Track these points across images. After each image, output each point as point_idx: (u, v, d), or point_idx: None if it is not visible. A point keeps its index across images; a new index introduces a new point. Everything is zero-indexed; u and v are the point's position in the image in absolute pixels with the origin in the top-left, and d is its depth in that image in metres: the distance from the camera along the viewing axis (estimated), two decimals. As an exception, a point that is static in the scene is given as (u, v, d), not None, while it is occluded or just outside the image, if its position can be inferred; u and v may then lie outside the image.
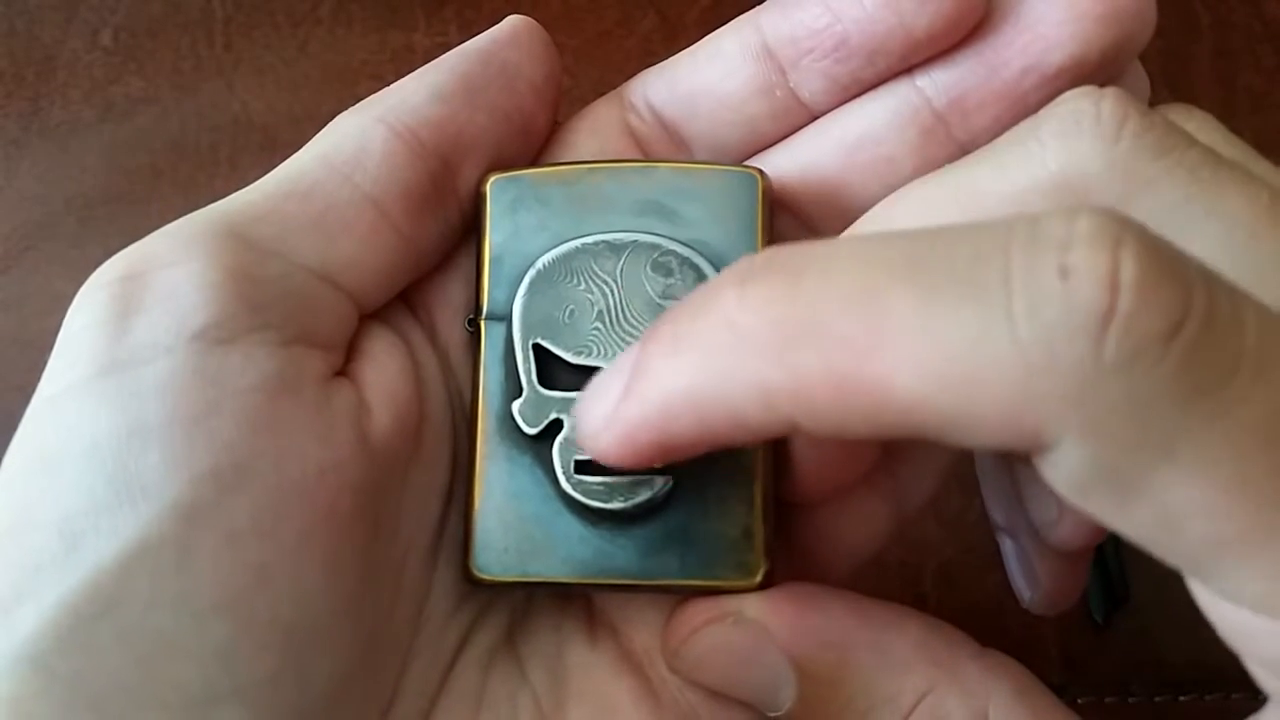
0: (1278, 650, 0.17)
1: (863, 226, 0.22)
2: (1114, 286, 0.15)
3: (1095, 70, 0.23)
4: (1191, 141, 0.20)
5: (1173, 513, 0.16)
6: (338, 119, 0.24)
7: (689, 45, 0.26)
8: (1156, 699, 0.35)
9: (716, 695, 0.24)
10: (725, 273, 0.19)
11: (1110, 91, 0.21)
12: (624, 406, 0.19)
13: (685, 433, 0.19)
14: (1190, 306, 0.16)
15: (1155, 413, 0.15)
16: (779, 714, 0.23)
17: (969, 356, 0.16)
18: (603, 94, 0.27)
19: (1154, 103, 0.23)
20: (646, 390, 0.19)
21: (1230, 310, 0.16)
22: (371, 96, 0.24)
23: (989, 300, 0.16)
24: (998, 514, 0.28)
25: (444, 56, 0.24)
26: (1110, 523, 0.17)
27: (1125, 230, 0.16)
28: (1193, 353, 0.15)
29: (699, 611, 0.23)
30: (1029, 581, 0.27)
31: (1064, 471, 0.16)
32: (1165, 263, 0.16)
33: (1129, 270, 0.15)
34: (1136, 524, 0.17)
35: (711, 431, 0.18)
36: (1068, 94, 0.21)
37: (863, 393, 0.17)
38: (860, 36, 0.24)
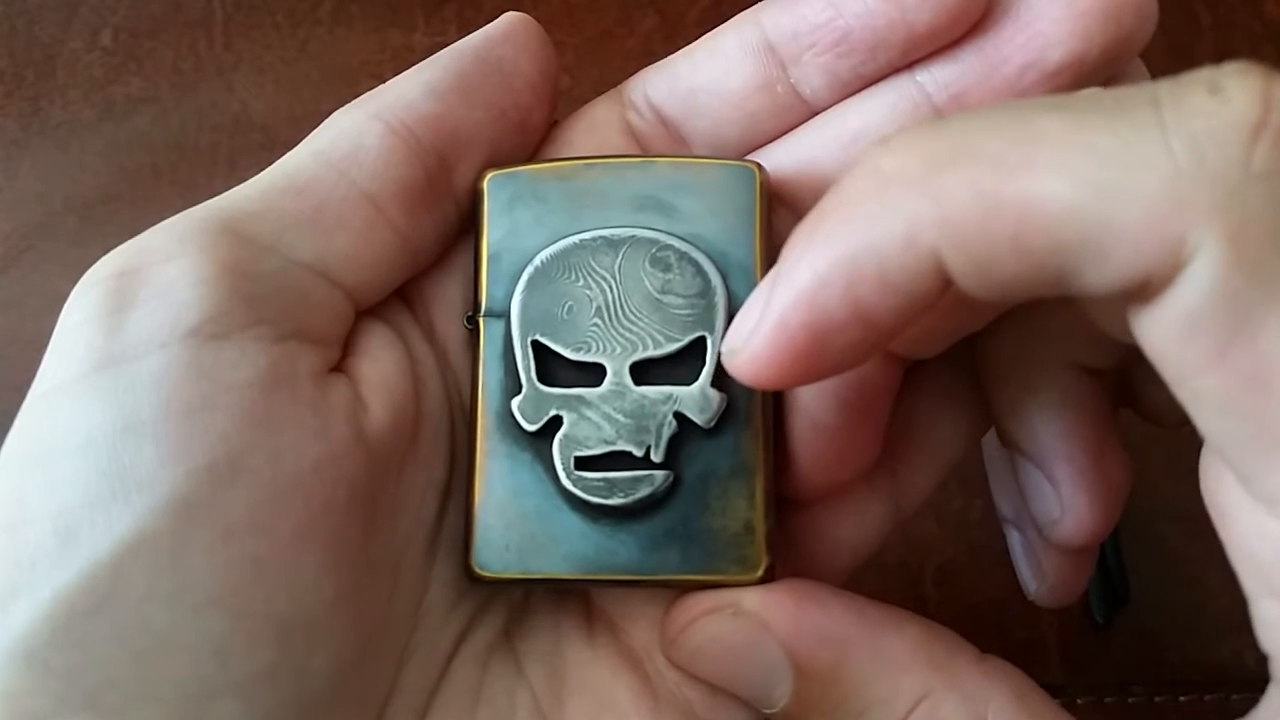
0: None
1: None
2: (1268, 101, 0.16)
3: (1096, 68, 0.23)
4: None
5: (1271, 364, 0.16)
6: (333, 116, 0.24)
7: (689, 44, 0.26)
8: (1156, 699, 0.35)
9: (714, 691, 0.24)
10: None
11: None
12: (773, 300, 0.19)
13: (836, 311, 0.18)
14: None
15: None
16: (774, 710, 0.23)
17: (1120, 162, 0.16)
18: (603, 93, 0.27)
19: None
20: (794, 271, 0.19)
21: None
22: (367, 93, 0.24)
23: (1140, 117, 0.16)
24: (1005, 506, 0.28)
25: (440, 53, 0.24)
26: (1196, 377, 0.17)
27: (1273, 74, 0.16)
28: None
29: (698, 602, 0.23)
30: (1034, 574, 0.27)
31: (1185, 297, 0.16)
32: None
33: None
34: (1226, 377, 0.16)
35: (861, 302, 0.18)
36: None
37: (1011, 210, 0.17)
38: (862, 31, 0.24)
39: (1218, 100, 0.16)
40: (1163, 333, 0.17)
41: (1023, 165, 0.17)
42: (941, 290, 0.18)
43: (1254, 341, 0.16)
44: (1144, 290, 0.17)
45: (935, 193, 0.17)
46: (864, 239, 0.18)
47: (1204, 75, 0.17)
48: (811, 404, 0.23)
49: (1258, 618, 0.18)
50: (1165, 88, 0.17)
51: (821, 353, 0.19)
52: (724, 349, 0.20)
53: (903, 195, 0.18)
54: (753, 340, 0.19)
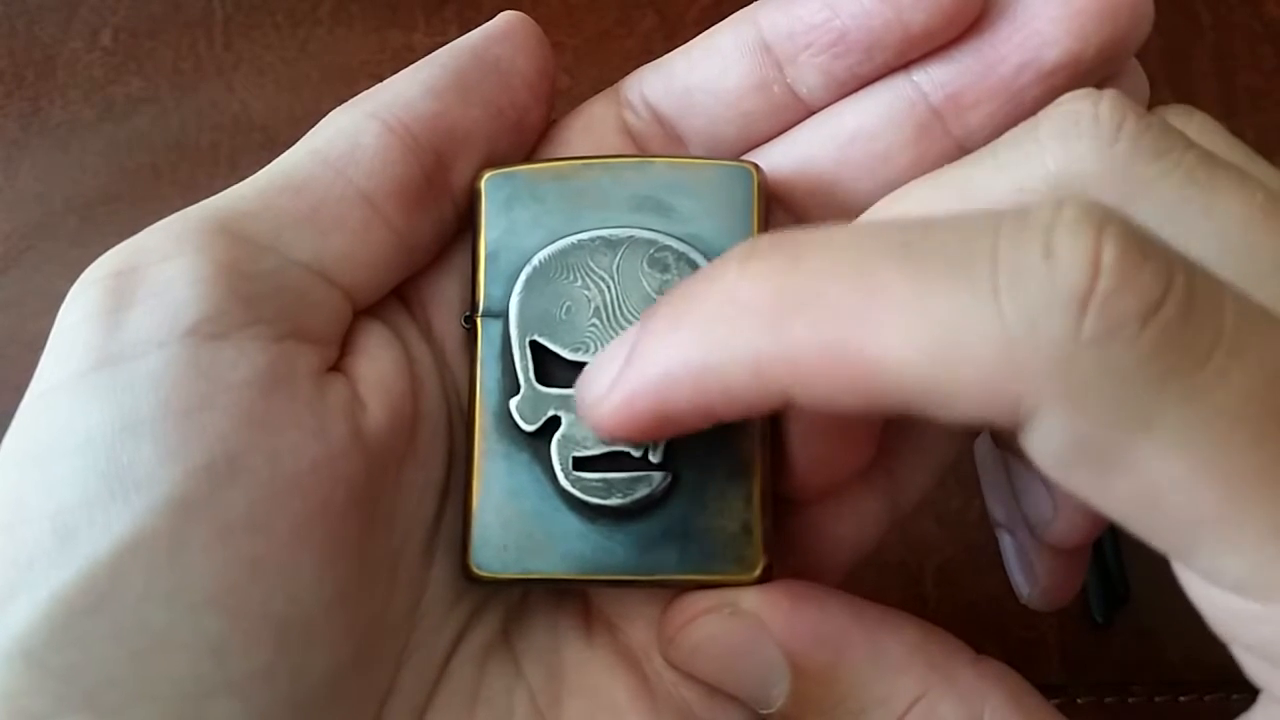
0: (1262, 635, 0.17)
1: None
2: (1095, 267, 0.16)
3: (1092, 67, 0.23)
4: (1189, 143, 0.20)
5: (1152, 488, 0.16)
6: (331, 115, 0.24)
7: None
8: (1156, 699, 0.35)
9: (712, 691, 0.24)
10: (728, 252, 0.19)
11: (1109, 93, 0.21)
12: (624, 377, 0.20)
13: (683, 405, 0.19)
14: (1168, 290, 0.16)
15: (1131, 388, 0.16)
16: (771, 710, 0.23)
17: (955, 328, 0.17)
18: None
19: (1154, 102, 0.23)
20: (647, 362, 0.19)
21: (1208, 296, 0.16)
22: (364, 92, 0.24)
23: (976, 277, 0.17)
24: (997, 510, 0.28)
25: (437, 52, 0.24)
26: (1093, 499, 0.17)
27: (1108, 218, 0.17)
28: (1169, 333, 0.16)
29: (696, 601, 0.23)
30: (1027, 577, 0.27)
31: (1045, 445, 0.17)
32: (1146, 247, 0.16)
33: (1110, 253, 0.16)
34: (1118, 500, 0.17)
35: (707, 405, 0.19)
36: (1066, 95, 0.21)
37: (852, 362, 0.17)
38: (858, 31, 0.24)
39: (1050, 265, 0.16)
40: (1042, 462, 0.17)
41: (864, 321, 0.17)
42: (787, 404, 0.19)
43: (1126, 472, 0.16)
44: (1003, 425, 0.17)
45: (784, 335, 0.18)
46: (715, 358, 0.19)
47: (1041, 225, 0.17)
48: None
49: (1233, 654, 0.18)
50: (1005, 239, 0.17)
51: (673, 427, 0.20)
52: (577, 400, 0.21)
53: (752, 329, 0.18)
54: (603, 405, 0.20)
